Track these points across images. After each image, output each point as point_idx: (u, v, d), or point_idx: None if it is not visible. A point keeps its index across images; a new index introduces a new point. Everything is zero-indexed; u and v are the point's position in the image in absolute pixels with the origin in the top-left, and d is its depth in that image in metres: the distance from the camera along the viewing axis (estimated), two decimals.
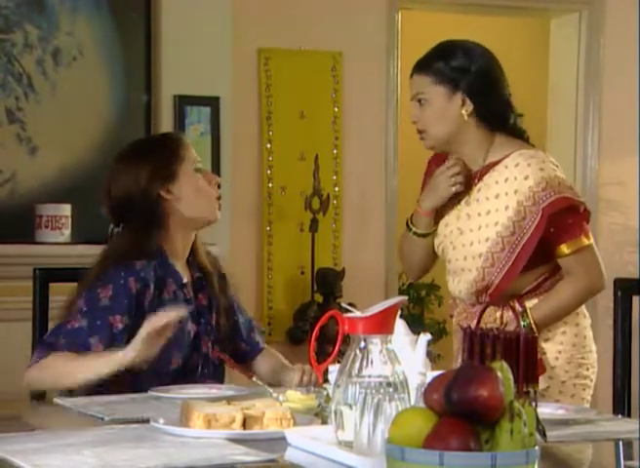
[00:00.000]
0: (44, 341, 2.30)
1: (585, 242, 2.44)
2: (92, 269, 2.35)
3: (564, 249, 2.43)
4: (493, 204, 2.44)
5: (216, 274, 2.48)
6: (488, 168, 2.46)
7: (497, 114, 2.45)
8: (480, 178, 2.47)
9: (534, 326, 2.41)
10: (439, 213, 2.54)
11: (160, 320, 2.14)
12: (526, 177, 2.41)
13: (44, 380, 2.26)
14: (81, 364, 2.21)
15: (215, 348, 2.42)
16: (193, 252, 2.46)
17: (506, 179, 2.43)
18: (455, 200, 2.51)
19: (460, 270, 2.49)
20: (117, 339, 2.26)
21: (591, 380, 2.51)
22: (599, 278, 2.48)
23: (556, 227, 2.41)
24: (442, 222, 2.53)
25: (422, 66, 2.44)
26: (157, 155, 2.38)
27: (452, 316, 2.58)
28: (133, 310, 2.29)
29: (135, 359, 2.17)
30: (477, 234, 2.45)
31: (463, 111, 2.41)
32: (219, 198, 2.42)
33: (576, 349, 2.50)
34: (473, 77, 2.41)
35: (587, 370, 2.50)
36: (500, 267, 2.42)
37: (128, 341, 2.23)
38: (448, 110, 2.42)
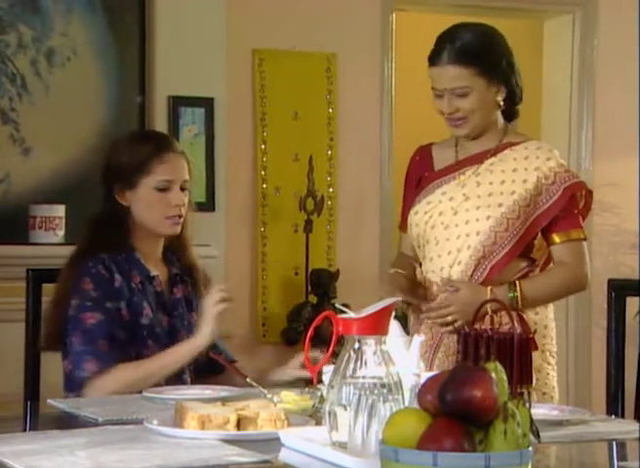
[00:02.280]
0: (85, 350, 2.29)
1: (582, 235, 2.54)
2: (66, 266, 2.41)
3: (562, 236, 2.52)
4: (509, 176, 2.53)
5: (202, 275, 2.51)
6: (504, 146, 2.56)
7: (517, 95, 2.55)
8: (494, 154, 2.55)
9: (519, 300, 2.45)
10: (423, 185, 2.59)
11: (216, 296, 2.27)
12: (548, 159, 2.54)
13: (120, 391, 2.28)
14: (154, 367, 2.28)
15: (209, 350, 2.43)
16: (177, 249, 2.48)
17: (526, 157, 2.54)
18: (452, 172, 2.55)
19: (457, 238, 2.51)
20: (119, 323, 2.32)
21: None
22: (587, 274, 2.56)
23: (563, 214, 2.51)
24: (438, 191, 2.56)
25: (458, 60, 2.47)
26: (130, 158, 2.40)
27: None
28: (114, 293, 2.34)
29: (210, 340, 2.29)
30: (487, 200, 2.51)
31: (499, 97, 2.52)
32: (179, 216, 2.42)
33: (547, 339, 2.56)
34: (504, 62, 2.51)
35: (554, 358, 2.58)
36: (513, 233, 2.49)
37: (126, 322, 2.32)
38: (487, 98, 2.50)
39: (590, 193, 2.56)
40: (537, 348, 2.46)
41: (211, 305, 2.29)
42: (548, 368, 2.54)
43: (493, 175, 2.53)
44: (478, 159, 2.56)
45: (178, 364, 2.32)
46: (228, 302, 2.30)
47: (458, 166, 2.57)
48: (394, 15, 4.84)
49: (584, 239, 2.54)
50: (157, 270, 2.45)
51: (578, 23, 5.06)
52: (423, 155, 2.66)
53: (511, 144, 2.56)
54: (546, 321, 2.57)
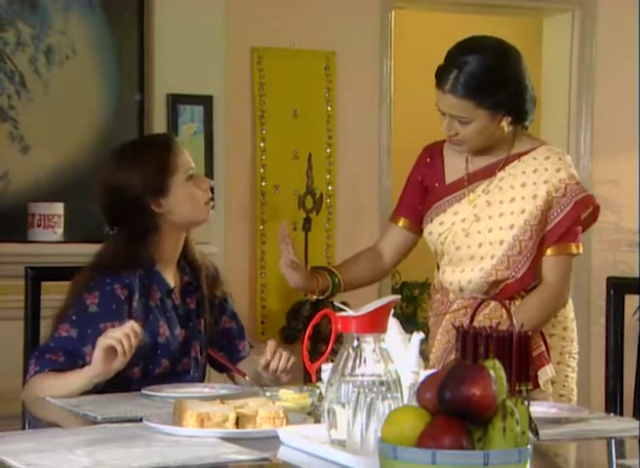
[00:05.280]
0: (39, 352, 2.29)
1: (576, 250, 2.50)
2: (80, 276, 2.36)
3: (554, 249, 2.48)
4: (518, 192, 2.48)
5: (205, 273, 2.47)
6: (512, 158, 2.52)
7: (529, 114, 2.49)
8: (502, 168, 2.52)
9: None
10: (431, 200, 2.55)
11: (112, 336, 2.15)
12: (558, 170, 2.49)
13: (30, 400, 2.24)
14: (58, 383, 2.22)
15: (209, 347, 2.43)
16: (184, 251, 2.45)
17: (535, 170, 2.49)
18: (462, 188, 2.53)
19: (470, 258, 2.49)
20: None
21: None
22: (565, 292, 2.51)
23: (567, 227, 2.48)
24: (450, 210, 2.53)
25: (459, 91, 2.40)
26: (149, 166, 2.35)
27: (444, 314, 2.57)
28: (125, 315, 2.29)
29: (100, 375, 2.18)
30: (498, 221, 2.48)
31: (504, 123, 2.46)
32: (211, 199, 2.41)
33: (566, 341, 2.55)
34: (509, 93, 2.43)
35: (575, 359, 2.56)
36: (526, 255, 2.46)
37: None
38: (490, 126, 2.45)
39: (598, 207, 2.52)
40: (549, 361, 2.45)
41: (107, 336, 2.16)
42: (567, 370, 2.52)
43: (502, 193, 2.49)
44: (488, 173, 2.52)
45: (71, 390, 2.19)
46: (123, 342, 2.13)
47: (468, 180, 2.53)
48: (393, 12, 4.84)
49: (576, 254, 2.50)
50: (173, 280, 2.42)
51: (577, 21, 5.07)
52: (434, 158, 2.60)
53: (520, 155, 2.51)
54: (566, 322, 2.54)
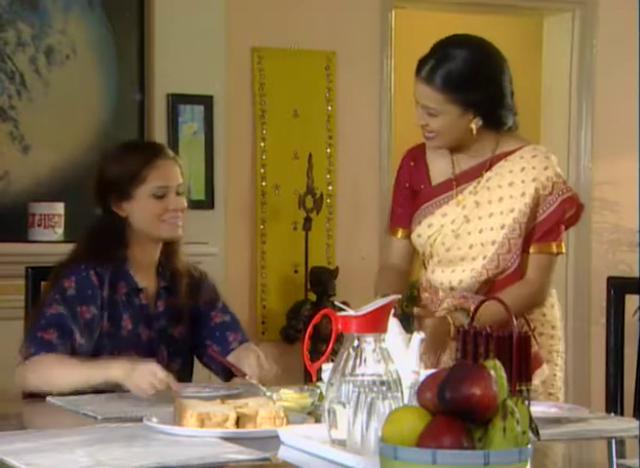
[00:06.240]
0: (32, 333, 2.32)
1: (556, 249, 2.50)
2: (56, 269, 2.42)
3: (535, 247, 2.49)
4: (506, 191, 2.48)
5: (187, 281, 2.48)
6: (499, 157, 2.51)
7: (503, 121, 2.48)
8: (489, 168, 2.51)
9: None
10: (420, 202, 2.55)
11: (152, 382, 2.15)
12: (546, 168, 2.49)
13: (34, 381, 2.27)
14: (73, 370, 2.24)
15: (211, 347, 2.43)
16: (167, 259, 2.47)
17: (522, 168, 2.49)
18: (451, 190, 2.52)
19: (460, 259, 2.49)
20: (88, 328, 2.33)
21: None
22: (544, 289, 2.50)
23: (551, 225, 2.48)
24: (438, 212, 2.53)
25: (434, 82, 2.39)
26: (122, 169, 2.40)
27: (432, 312, 2.55)
28: (98, 300, 2.35)
29: (120, 379, 2.19)
30: (488, 221, 2.48)
31: (473, 125, 2.44)
32: (179, 219, 2.41)
33: (555, 340, 2.54)
34: (484, 95, 2.42)
35: (562, 358, 2.56)
36: (516, 253, 2.47)
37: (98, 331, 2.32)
38: (459, 124, 2.43)
39: (582, 206, 2.53)
40: (543, 361, 2.45)
41: (149, 378, 2.15)
42: (555, 368, 2.52)
43: (490, 193, 2.49)
44: (475, 174, 2.51)
45: (89, 382, 2.21)
46: (156, 387, 2.14)
47: (456, 182, 2.52)
48: (393, 12, 4.83)
49: (558, 253, 2.50)
50: (147, 281, 2.44)
51: (577, 22, 5.06)
52: (417, 161, 2.59)
53: (506, 154, 2.50)
54: (554, 321, 2.54)
